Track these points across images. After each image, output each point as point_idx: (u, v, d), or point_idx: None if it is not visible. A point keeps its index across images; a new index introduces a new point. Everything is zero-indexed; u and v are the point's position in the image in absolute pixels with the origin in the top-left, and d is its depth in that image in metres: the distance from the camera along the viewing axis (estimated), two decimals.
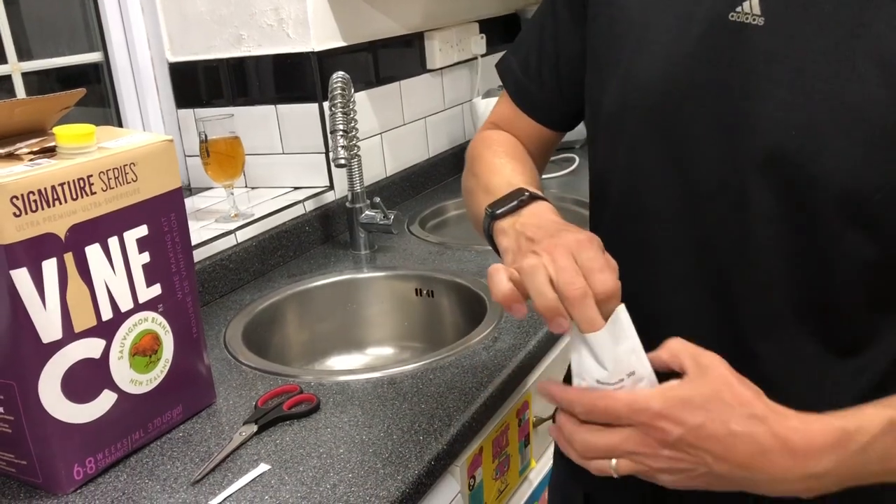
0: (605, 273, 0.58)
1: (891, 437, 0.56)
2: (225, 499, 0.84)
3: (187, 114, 1.69)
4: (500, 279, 0.60)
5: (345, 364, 1.45)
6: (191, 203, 1.62)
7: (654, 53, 0.68)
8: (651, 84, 0.68)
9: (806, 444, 0.55)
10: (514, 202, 0.69)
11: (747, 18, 0.63)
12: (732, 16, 0.64)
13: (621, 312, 0.59)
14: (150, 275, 0.93)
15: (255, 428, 0.96)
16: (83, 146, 0.86)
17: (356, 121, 1.52)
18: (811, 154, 0.60)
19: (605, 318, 0.59)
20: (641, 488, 0.66)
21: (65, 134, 0.86)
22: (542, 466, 1.29)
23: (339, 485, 0.85)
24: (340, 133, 1.40)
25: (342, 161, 1.40)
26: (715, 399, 0.56)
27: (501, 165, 0.80)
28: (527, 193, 0.70)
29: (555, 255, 0.59)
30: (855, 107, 0.58)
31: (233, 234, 1.44)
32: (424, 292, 1.44)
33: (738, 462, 0.56)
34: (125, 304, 0.91)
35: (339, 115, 1.41)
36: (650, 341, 0.61)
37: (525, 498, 1.22)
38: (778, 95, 0.61)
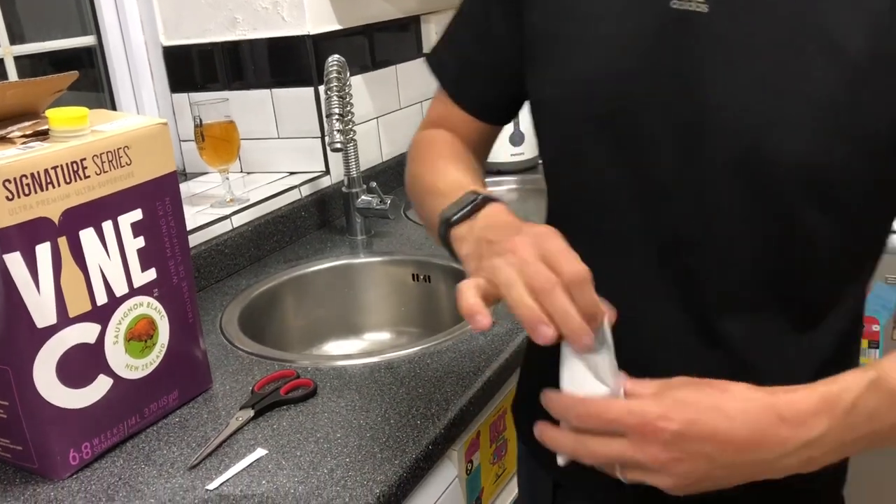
0: (571, 261, 0.57)
1: (874, 397, 0.56)
2: (222, 483, 0.84)
3: (182, 98, 1.68)
4: (469, 294, 0.59)
5: (342, 349, 1.44)
6: (186, 188, 1.61)
7: (595, 45, 0.67)
8: (593, 76, 0.67)
9: (795, 411, 0.56)
10: (468, 207, 0.68)
11: (690, 6, 0.62)
12: (674, 3, 0.63)
13: (607, 325, 0.59)
14: (145, 259, 0.93)
15: (251, 413, 0.96)
16: (76, 129, 0.85)
17: (352, 105, 1.51)
18: (765, 139, 0.60)
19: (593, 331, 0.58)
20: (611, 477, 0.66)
21: (58, 117, 0.85)
22: None
23: (336, 469, 0.85)
24: (336, 117, 1.39)
25: (338, 145, 1.40)
26: (702, 394, 0.57)
27: (445, 167, 0.78)
28: (480, 196, 0.68)
29: (518, 250, 0.58)
30: (804, 91, 0.59)
31: (228, 220, 1.44)
32: (421, 277, 1.44)
33: (738, 446, 0.56)
34: (120, 288, 0.90)
35: (335, 98, 1.40)
36: (618, 332, 0.62)
37: None
38: (727, 83, 0.61)
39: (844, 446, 0.57)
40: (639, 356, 0.66)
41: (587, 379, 0.59)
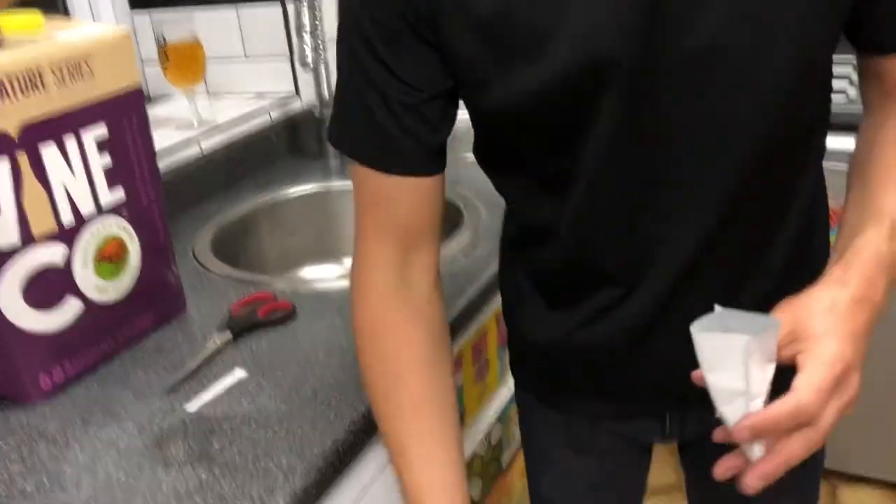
0: None
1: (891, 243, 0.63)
2: (202, 405, 0.82)
3: (143, 17, 1.60)
4: None
5: (320, 274, 1.41)
6: (150, 112, 1.53)
7: (566, 33, 0.61)
8: (580, 62, 0.61)
9: (866, 284, 0.60)
10: None
11: None
12: None
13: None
14: (112, 178, 0.88)
15: (229, 335, 0.93)
16: (30, 34, 0.80)
17: (323, 21, 1.44)
18: (762, 63, 0.61)
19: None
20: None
21: (10, 22, 0.79)
22: None
23: (320, 389, 0.83)
24: (307, 31, 1.33)
25: (309, 62, 1.34)
26: (819, 313, 0.59)
27: (410, 459, 0.73)
28: None
29: None
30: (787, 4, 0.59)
31: (196, 143, 1.38)
32: None
33: (869, 329, 0.60)
34: (86, 207, 0.86)
35: (306, 12, 1.34)
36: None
37: (505, 401, 1.22)
38: (711, 23, 0.59)
39: (892, 285, 0.62)
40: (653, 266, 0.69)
41: (765, 367, 0.56)
